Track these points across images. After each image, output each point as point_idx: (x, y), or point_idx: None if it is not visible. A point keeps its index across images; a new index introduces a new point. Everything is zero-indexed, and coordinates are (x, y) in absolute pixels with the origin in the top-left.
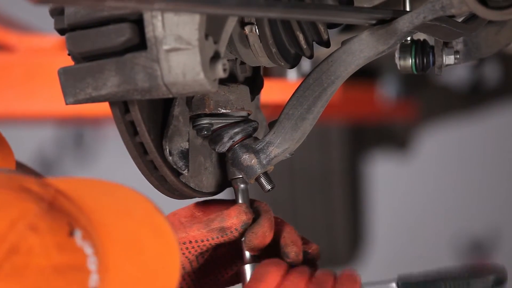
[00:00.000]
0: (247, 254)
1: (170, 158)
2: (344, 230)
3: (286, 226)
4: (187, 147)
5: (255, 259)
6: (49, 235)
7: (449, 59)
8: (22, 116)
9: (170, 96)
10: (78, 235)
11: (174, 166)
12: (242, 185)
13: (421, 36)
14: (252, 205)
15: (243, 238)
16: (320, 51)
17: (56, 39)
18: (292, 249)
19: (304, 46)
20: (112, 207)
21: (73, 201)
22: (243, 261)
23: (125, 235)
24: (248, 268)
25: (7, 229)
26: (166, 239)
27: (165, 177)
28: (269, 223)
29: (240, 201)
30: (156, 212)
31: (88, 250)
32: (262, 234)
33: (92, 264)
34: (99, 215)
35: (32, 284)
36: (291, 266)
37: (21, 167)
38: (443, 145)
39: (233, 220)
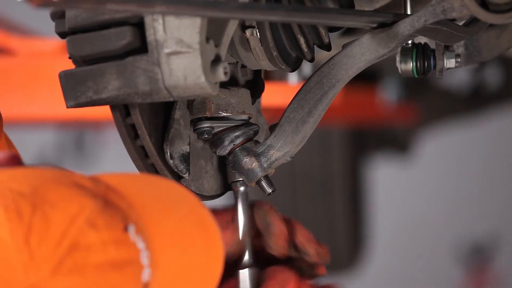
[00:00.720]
0: (246, 258)
1: (171, 161)
2: (345, 234)
3: (296, 224)
4: (188, 150)
5: (252, 264)
6: (106, 230)
7: (450, 63)
8: (23, 119)
9: (171, 99)
10: (131, 230)
11: (175, 170)
12: (242, 188)
13: (422, 39)
14: (253, 206)
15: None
16: (321, 55)
17: (57, 42)
18: (311, 246)
19: (305, 49)
20: (159, 202)
21: (123, 196)
22: (240, 267)
23: (172, 229)
24: (246, 273)
25: (67, 225)
26: (211, 233)
27: None
28: (278, 218)
29: (240, 204)
30: (200, 206)
31: (140, 244)
32: (280, 231)
33: (145, 258)
34: (148, 210)
35: (92, 280)
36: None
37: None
38: (444, 149)
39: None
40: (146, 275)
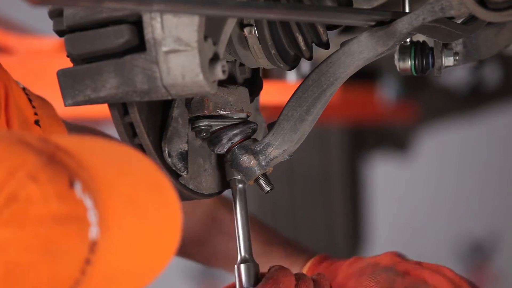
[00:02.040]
0: (243, 253)
1: (169, 159)
2: (344, 232)
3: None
4: (186, 148)
5: (251, 260)
6: (49, 184)
7: (448, 61)
8: None
9: (169, 97)
10: (78, 187)
11: (173, 168)
12: (240, 185)
13: (420, 37)
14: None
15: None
16: (320, 53)
17: (55, 41)
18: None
19: (303, 47)
20: (112, 164)
21: (73, 156)
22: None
23: (126, 192)
24: (246, 268)
25: (6, 177)
26: (168, 198)
27: None
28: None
29: (238, 202)
30: (157, 171)
31: (88, 202)
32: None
33: (92, 216)
34: (99, 171)
35: (32, 232)
36: None
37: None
38: (442, 147)
39: None
40: (93, 233)
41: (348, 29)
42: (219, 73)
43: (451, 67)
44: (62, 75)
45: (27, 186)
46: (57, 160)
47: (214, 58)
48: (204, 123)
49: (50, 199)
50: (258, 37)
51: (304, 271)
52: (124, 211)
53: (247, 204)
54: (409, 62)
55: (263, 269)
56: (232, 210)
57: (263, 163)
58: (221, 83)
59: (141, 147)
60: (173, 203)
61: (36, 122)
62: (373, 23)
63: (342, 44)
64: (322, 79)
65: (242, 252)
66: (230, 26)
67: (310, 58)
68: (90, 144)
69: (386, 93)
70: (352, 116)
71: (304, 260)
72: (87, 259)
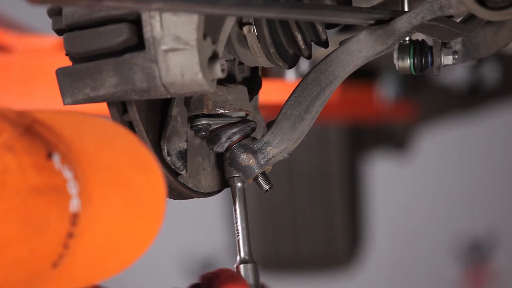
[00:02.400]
0: (242, 253)
1: (168, 158)
2: (343, 231)
3: None
4: (185, 147)
5: (251, 260)
6: (26, 155)
7: (447, 59)
8: None
9: (168, 96)
10: (56, 158)
11: (172, 167)
12: (239, 184)
13: (419, 36)
14: None
15: None
16: (319, 51)
17: (54, 39)
18: None
19: (303, 46)
20: (93, 138)
21: (51, 129)
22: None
23: (107, 166)
24: (247, 268)
25: None
26: (151, 173)
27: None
28: None
29: (237, 200)
30: (139, 145)
31: (67, 174)
32: None
33: (72, 188)
34: (79, 145)
35: (9, 203)
36: None
37: None
38: (442, 146)
39: None
40: (74, 205)
41: (347, 28)
42: (218, 71)
43: (450, 66)
44: (61, 73)
45: (3, 157)
46: (34, 132)
47: (213, 57)
48: (203, 121)
49: (27, 169)
50: (257, 35)
51: None
52: (106, 184)
53: (246, 204)
54: (408, 60)
55: None
56: None
57: (262, 162)
58: (220, 82)
59: None
60: (157, 179)
61: None
62: (372, 22)
63: (341, 43)
64: (321, 78)
65: (241, 252)
66: (229, 24)
67: (309, 57)
68: (71, 118)
69: (385, 91)
70: (351, 114)
71: None
72: (69, 232)
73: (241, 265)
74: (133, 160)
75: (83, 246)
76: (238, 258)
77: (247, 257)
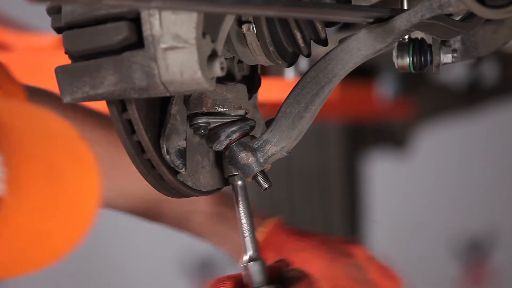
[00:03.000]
0: (252, 252)
1: (167, 156)
2: (342, 229)
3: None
4: (184, 145)
5: (258, 258)
6: None
7: (446, 58)
8: None
9: (168, 94)
10: None
11: (172, 165)
12: (240, 182)
13: (418, 34)
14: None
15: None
16: (318, 50)
17: (54, 38)
18: None
19: (302, 44)
20: (31, 128)
21: None
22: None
23: (41, 157)
24: (255, 266)
25: None
26: (87, 169)
27: (162, 176)
28: None
29: (240, 198)
30: (78, 140)
31: None
32: None
33: (0, 172)
34: (15, 133)
35: None
36: None
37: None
38: (441, 144)
39: None
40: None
41: (346, 26)
42: (218, 70)
43: (450, 64)
44: (60, 72)
45: None
46: None
47: (213, 55)
48: (202, 120)
49: None
50: (256, 34)
51: (262, 236)
52: (36, 174)
53: (249, 201)
54: (408, 59)
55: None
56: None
57: (261, 160)
58: (219, 80)
59: (139, 144)
60: (92, 175)
61: None
62: (371, 20)
63: (341, 41)
64: (320, 76)
65: (249, 250)
66: (228, 23)
67: (308, 55)
68: (10, 107)
69: (385, 90)
70: (350, 113)
71: (259, 221)
72: None
73: (251, 263)
74: (69, 154)
75: (8, 230)
76: (245, 256)
77: (256, 254)
